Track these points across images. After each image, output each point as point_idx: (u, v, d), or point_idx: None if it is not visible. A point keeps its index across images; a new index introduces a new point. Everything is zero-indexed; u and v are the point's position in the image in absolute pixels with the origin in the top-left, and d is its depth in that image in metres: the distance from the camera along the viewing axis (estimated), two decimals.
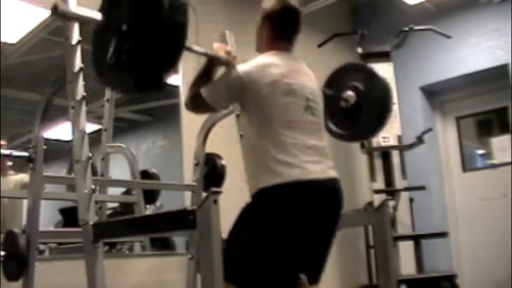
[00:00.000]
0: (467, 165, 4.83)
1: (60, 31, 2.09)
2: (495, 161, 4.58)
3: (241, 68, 1.90)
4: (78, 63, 1.97)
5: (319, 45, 4.35)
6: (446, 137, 4.91)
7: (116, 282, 2.57)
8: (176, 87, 3.47)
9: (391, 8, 4.73)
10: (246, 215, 1.86)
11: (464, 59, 4.48)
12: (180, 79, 3.47)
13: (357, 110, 2.53)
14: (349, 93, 2.55)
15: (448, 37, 4.27)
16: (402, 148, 4.27)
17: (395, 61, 4.40)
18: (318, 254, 1.91)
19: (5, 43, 2.77)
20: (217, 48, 2.01)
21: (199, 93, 1.91)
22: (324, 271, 1.94)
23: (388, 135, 4.26)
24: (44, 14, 2.86)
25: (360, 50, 4.35)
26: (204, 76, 1.99)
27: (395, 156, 4.30)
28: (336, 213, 1.92)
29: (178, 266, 2.97)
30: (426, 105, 4.86)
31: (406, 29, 4.28)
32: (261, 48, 2.08)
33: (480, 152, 4.90)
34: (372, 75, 2.62)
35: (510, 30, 4.17)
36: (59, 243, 2.84)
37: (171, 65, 1.59)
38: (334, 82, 2.63)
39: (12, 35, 2.86)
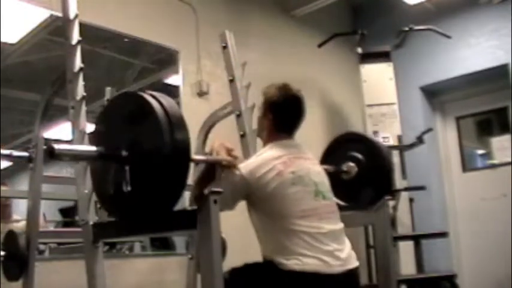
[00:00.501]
0: (467, 165, 4.83)
1: (60, 31, 2.10)
2: (495, 161, 4.58)
3: (244, 167, 1.87)
4: (78, 63, 1.98)
5: (319, 45, 4.36)
6: (446, 137, 4.90)
7: (116, 282, 2.57)
8: (176, 87, 3.48)
9: (391, 8, 4.72)
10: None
11: (464, 59, 4.48)
12: (180, 79, 3.47)
13: (359, 181, 2.46)
14: (350, 164, 2.48)
15: (448, 37, 4.27)
16: (402, 148, 4.27)
17: (395, 61, 4.40)
18: None
19: (5, 43, 2.76)
20: (218, 148, 1.89)
21: (203, 194, 1.84)
22: None
23: (388, 135, 4.26)
24: (44, 14, 2.86)
25: (359, 50, 4.36)
26: (207, 178, 1.90)
27: (395, 156, 4.29)
28: None
29: (178, 266, 2.97)
30: (426, 105, 4.85)
31: (406, 29, 4.28)
32: (261, 135, 2.08)
33: (480, 152, 4.90)
34: (368, 143, 2.59)
35: (510, 30, 4.16)
36: (59, 243, 2.84)
37: (181, 182, 1.44)
38: (333, 153, 2.57)
39: (12, 35, 2.86)
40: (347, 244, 1.92)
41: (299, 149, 2.03)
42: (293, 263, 1.75)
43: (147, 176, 1.44)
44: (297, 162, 1.93)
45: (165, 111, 1.42)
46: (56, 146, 1.43)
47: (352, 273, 1.86)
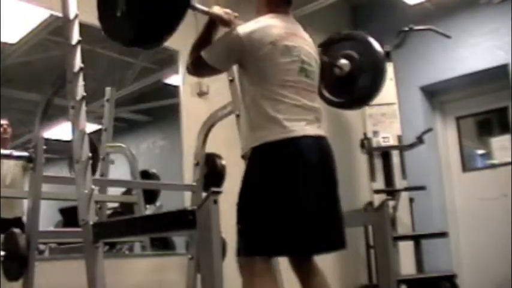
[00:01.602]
0: (467, 165, 4.83)
1: (60, 31, 2.10)
2: (495, 161, 4.57)
3: (241, 28, 1.94)
4: (78, 63, 1.98)
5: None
6: (446, 137, 4.90)
7: (116, 282, 2.57)
8: (176, 87, 3.48)
9: (391, 8, 4.72)
10: (245, 180, 1.89)
11: (464, 59, 4.48)
12: (180, 79, 3.47)
13: (351, 78, 2.56)
14: (343, 61, 2.57)
15: (448, 37, 4.27)
16: (402, 148, 4.27)
17: (395, 61, 4.40)
18: (327, 214, 1.89)
19: (5, 43, 2.77)
20: (218, 10, 2.05)
21: (201, 56, 1.96)
22: (344, 235, 1.93)
23: (388, 135, 4.26)
24: (44, 14, 2.86)
25: None
26: (205, 39, 2.03)
27: (395, 156, 4.30)
28: (328, 169, 1.94)
29: (178, 266, 2.97)
30: (426, 105, 4.85)
31: (406, 29, 4.28)
32: (260, 11, 2.09)
33: (480, 152, 4.90)
34: (366, 43, 2.65)
35: (510, 30, 4.16)
36: (59, 243, 2.84)
37: (175, 21, 1.65)
38: (328, 51, 2.65)
39: (12, 35, 2.86)
40: (320, 122, 2.00)
41: (296, 26, 2.07)
42: (279, 132, 1.83)
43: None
44: (292, 38, 1.98)
45: None
46: None
47: (322, 137, 1.96)
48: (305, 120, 1.90)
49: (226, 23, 2.04)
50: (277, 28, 1.96)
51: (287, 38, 1.95)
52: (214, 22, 2.06)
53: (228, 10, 2.08)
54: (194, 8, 1.98)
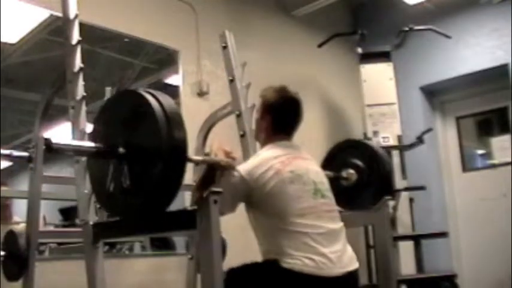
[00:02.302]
0: (467, 165, 4.82)
1: (60, 31, 2.10)
2: (495, 161, 4.58)
3: (243, 168, 1.88)
4: (78, 63, 1.98)
5: (319, 45, 4.36)
6: (446, 137, 4.90)
7: (116, 282, 2.57)
8: (176, 87, 3.48)
9: (391, 8, 4.72)
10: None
11: (464, 59, 4.48)
12: (180, 79, 3.47)
13: (359, 187, 2.48)
14: (350, 171, 2.50)
15: (448, 37, 4.27)
16: (402, 148, 4.27)
17: (395, 61, 4.40)
18: None
19: (5, 43, 2.76)
20: (216, 149, 1.92)
21: (203, 197, 1.86)
22: None
23: (388, 135, 4.26)
24: (44, 14, 2.86)
25: (360, 50, 4.36)
26: (207, 181, 1.92)
27: (395, 156, 4.29)
28: None
29: (178, 266, 2.97)
30: (426, 105, 4.85)
31: (406, 29, 4.28)
32: (260, 138, 2.09)
33: (480, 152, 4.90)
34: (368, 150, 2.60)
35: (510, 30, 4.16)
36: (59, 243, 2.84)
37: (177, 181, 1.45)
38: (333, 160, 2.58)
39: (12, 35, 2.86)
40: (346, 245, 1.91)
41: (297, 150, 2.04)
42: (291, 264, 1.74)
43: (144, 174, 1.44)
44: (295, 162, 1.94)
45: (163, 110, 1.43)
46: (54, 141, 1.46)
47: (351, 276, 1.85)
48: (332, 252, 1.80)
49: (225, 168, 1.91)
50: (278, 157, 1.92)
51: (291, 164, 1.91)
52: (213, 168, 1.94)
53: (226, 147, 1.93)
54: (191, 161, 1.86)
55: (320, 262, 1.76)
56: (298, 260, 1.74)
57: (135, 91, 1.54)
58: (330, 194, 1.98)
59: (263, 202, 1.85)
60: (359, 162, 2.52)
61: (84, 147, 1.61)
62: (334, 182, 2.25)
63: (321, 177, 1.99)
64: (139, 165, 1.46)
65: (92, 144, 1.57)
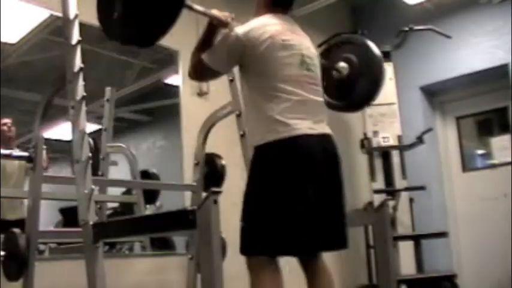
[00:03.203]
0: (467, 165, 4.83)
1: (60, 31, 2.10)
2: (495, 161, 4.57)
3: (239, 28, 1.96)
4: (78, 63, 1.98)
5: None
6: (446, 137, 4.90)
7: (116, 282, 2.57)
8: (176, 87, 3.48)
9: (391, 8, 4.72)
10: (249, 178, 1.92)
11: (464, 59, 4.48)
12: (180, 79, 3.47)
13: (350, 81, 2.57)
14: (342, 64, 2.59)
15: (448, 37, 4.27)
16: (402, 148, 4.27)
17: (395, 61, 4.40)
18: (330, 213, 1.89)
19: (5, 43, 2.77)
20: (215, 12, 2.07)
21: (201, 59, 1.97)
22: (346, 234, 1.93)
23: (388, 135, 4.26)
24: (44, 14, 2.86)
25: None
26: (205, 42, 2.04)
27: (395, 156, 4.29)
28: (333, 168, 1.94)
29: (178, 266, 2.97)
30: (426, 105, 4.85)
31: (406, 29, 4.27)
32: (258, 12, 2.11)
33: (480, 152, 4.90)
34: (364, 47, 2.66)
35: (510, 30, 4.16)
36: (59, 243, 2.84)
37: (170, 19, 1.68)
38: (327, 54, 2.68)
39: (12, 35, 2.86)
40: (324, 116, 1.99)
41: (293, 25, 2.09)
42: (282, 131, 1.83)
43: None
44: (290, 33, 2.00)
45: None
46: None
47: (326, 135, 1.95)
48: (309, 117, 1.90)
49: (224, 24, 2.05)
50: (274, 25, 1.98)
51: (284, 33, 1.97)
52: (214, 26, 2.07)
53: (225, 12, 2.10)
54: (190, 8, 1.99)
55: (295, 125, 1.85)
56: (286, 126, 1.84)
57: None
58: (316, 70, 2.04)
59: (253, 63, 1.93)
60: (352, 57, 2.60)
61: None
62: (327, 73, 2.36)
63: (309, 52, 2.04)
64: None
65: None
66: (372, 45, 2.67)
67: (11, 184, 2.77)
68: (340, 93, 2.62)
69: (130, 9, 1.74)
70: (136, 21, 1.77)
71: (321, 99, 2.01)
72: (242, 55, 1.93)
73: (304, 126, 1.87)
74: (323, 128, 1.95)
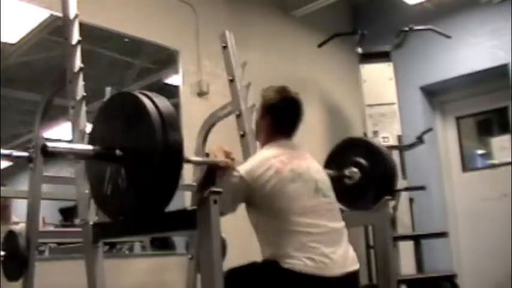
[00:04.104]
0: (467, 165, 4.83)
1: (60, 31, 2.10)
2: (495, 161, 4.58)
3: (242, 168, 1.88)
4: (78, 63, 1.98)
5: (319, 45, 4.36)
6: (446, 137, 4.90)
7: (116, 282, 2.57)
8: (176, 87, 3.48)
9: (391, 8, 4.72)
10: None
11: (464, 59, 4.48)
12: (180, 79, 3.47)
13: (363, 184, 2.46)
14: (353, 169, 2.47)
15: (448, 37, 4.27)
16: (402, 148, 4.26)
17: (395, 61, 4.40)
18: None
19: (5, 43, 2.76)
20: (216, 151, 1.96)
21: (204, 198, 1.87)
22: None
23: (388, 135, 4.26)
24: (44, 14, 2.86)
25: (360, 50, 4.35)
26: (207, 182, 1.94)
27: (395, 156, 4.28)
28: None
29: (178, 266, 2.97)
30: (426, 105, 4.85)
31: (406, 29, 4.27)
32: (260, 138, 2.08)
33: (480, 152, 4.90)
34: (369, 146, 2.59)
35: (510, 30, 4.16)
36: (59, 243, 2.83)
37: (173, 182, 1.45)
38: (336, 158, 2.56)
39: (12, 35, 2.86)
40: (348, 245, 1.90)
41: (297, 150, 2.03)
42: (291, 264, 1.73)
43: (140, 176, 1.44)
44: (296, 161, 1.93)
45: (159, 111, 1.43)
46: (50, 144, 1.44)
47: (352, 276, 1.84)
48: (332, 249, 1.80)
49: (225, 168, 1.94)
50: (278, 156, 1.91)
51: (291, 163, 1.90)
52: (213, 169, 1.98)
53: (226, 149, 1.98)
54: (190, 162, 1.93)
55: (320, 262, 1.75)
56: (298, 260, 1.73)
57: (130, 93, 1.54)
58: (331, 193, 1.97)
59: (263, 202, 1.85)
60: (362, 161, 2.49)
61: (81, 151, 1.61)
62: (337, 181, 2.24)
63: (322, 176, 1.98)
64: (136, 167, 1.45)
65: (89, 147, 1.56)
66: (379, 144, 2.61)
67: None
68: (352, 199, 2.45)
69: (124, 181, 1.51)
70: (135, 192, 1.49)
71: (341, 224, 1.93)
72: (248, 195, 1.86)
73: (332, 264, 1.76)
74: (352, 265, 1.85)
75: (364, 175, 2.46)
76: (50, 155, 1.46)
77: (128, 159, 1.47)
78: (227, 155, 1.93)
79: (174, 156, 1.42)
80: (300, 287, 1.74)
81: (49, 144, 1.44)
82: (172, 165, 1.42)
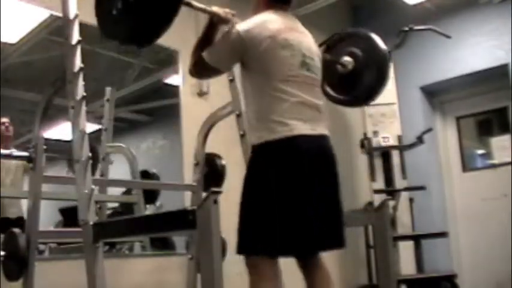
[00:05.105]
0: (467, 165, 4.83)
1: (60, 31, 2.10)
2: (495, 161, 4.57)
3: (241, 26, 1.93)
4: (78, 63, 1.98)
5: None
6: (446, 137, 4.90)
7: (116, 282, 2.57)
8: (176, 87, 3.48)
9: (391, 8, 4.72)
10: (246, 177, 1.91)
11: (464, 59, 4.48)
12: (180, 79, 3.47)
13: (354, 75, 2.53)
14: (347, 58, 2.55)
15: (448, 37, 4.26)
16: (402, 148, 4.27)
17: (395, 61, 4.38)
18: (327, 213, 1.88)
19: (5, 43, 2.77)
20: (216, 9, 2.05)
21: (202, 57, 1.94)
22: (343, 234, 1.94)
23: (388, 135, 4.26)
24: (44, 14, 2.86)
25: None
26: (205, 39, 2.01)
27: (395, 156, 4.29)
28: (329, 168, 1.93)
29: (178, 266, 2.97)
30: (426, 105, 4.85)
31: (406, 29, 4.27)
32: (257, 10, 2.08)
33: (480, 152, 4.90)
34: (369, 41, 2.62)
35: (510, 30, 4.16)
36: (59, 243, 2.84)
37: (169, 16, 1.65)
38: (331, 49, 2.65)
39: (12, 35, 2.86)
40: (324, 119, 1.99)
41: (295, 22, 2.06)
42: (281, 131, 1.82)
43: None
44: (291, 32, 1.97)
45: None
46: None
47: (323, 136, 1.95)
48: (306, 118, 1.89)
49: (225, 21, 2.03)
50: (276, 22, 1.95)
51: (286, 32, 1.94)
52: (214, 23, 2.05)
53: (226, 9, 2.08)
54: (189, 5, 1.97)
55: (294, 125, 1.85)
56: (285, 126, 1.83)
57: None
58: (316, 71, 2.01)
59: (253, 62, 1.90)
60: (357, 51, 2.56)
61: None
62: (331, 67, 2.33)
63: (311, 52, 2.01)
64: None
65: None
66: (376, 38, 2.64)
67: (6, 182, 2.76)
68: (344, 88, 2.59)
69: (128, 5, 1.71)
70: (134, 18, 1.74)
71: (320, 101, 1.99)
72: (243, 53, 1.91)
73: (303, 127, 1.86)
74: (321, 130, 1.95)
75: (358, 66, 2.53)
76: None
77: None
78: (227, 12, 2.03)
79: None
80: (294, 148, 1.83)
81: None
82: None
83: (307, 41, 2.03)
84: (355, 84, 2.56)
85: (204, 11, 2.04)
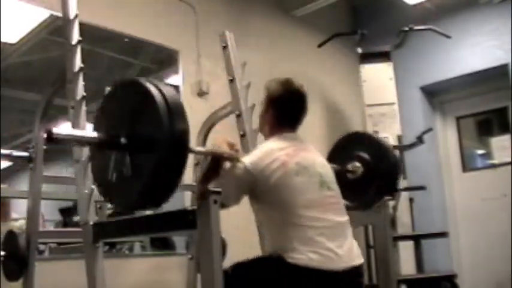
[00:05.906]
0: (467, 165, 4.83)
1: (60, 31, 2.10)
2: (495, 161, 4.58)
3: (247, 159, 1.86)
4: (78, 63, 1.98)
5: (319, 45, 4.36)
6: (446, 137, 4.90)
7: (116, 282, 2.57)
8: (176, 87, 3.47)
9: (391, 8, 4.72)
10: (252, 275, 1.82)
11: (464, 59, 4.48)
12: (180, 79, 3.47)
13: (366, 179, 2.44)
14: (356, 164, 2.47)
15: (448, 37, 4.27)
16: (402, 148, 4.26)
17: (395, 61, 4.40)
18: None
19: (5, 43, 2.76)
20: (220, 142, 1.92)
21: (208, 191, 1.84)
22: None
23: (388, 135, 4.26)
24: (44, 14, 2.86)
25: (359, 50, 4.36)
26: (211, 173, 1.90)
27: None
28: None
29: (178, 266, 2.97)
30: (426, 105, 4.85)
31: (406, 29, 4.28)
32: (264, 130, 2.06)
33: (480, 152, 4.90)
34: (372, 141, 2.58)
35: (510, 30, 4.16)
36: (59, 243, 2.84)
37: (178, 172, 1.44)
38: (339, 153, 2.55)
39: (12, 35, 2.86)
40: (352, 239, 1.90)
41: (302, 142, 2.02)
42: (296, 259, 1.72)
43: (145, 164, 1.42)
44: (301, 154, 1.92)
45: (165, 100, 1.40)
46: (55, 130, 1.42)
47: (356, 270, 1.84)
48: (336, 243, 1.79)
49: (229, 159, 1.91)
50: (284, 149, 1.89)
51: (296, 156, 1.89)
52: (218, 159, 1.94)
53: (230, 141, 1.95)
54: (194, 152, 1.93)
55: (326, 256, 1.75)
56: (303, 255, 1.73)
57: (136, 81, 1.53)
58: (335, 187, 1.97)
59: (268, 194, 1.83)
60: (365, 155, 2.48)
61: (86, 138, 1.60)
62: (340, 176, 2.22)
63: (326, 170, 1.97)
64: (141, 155, 1.44)
65: (94, 134, 1.54)
66: (380, 138, 2.61)
67: None
68: (354, 193, 2.41)
69: (129, 168, 1.48)
70: (140, 180, 1.47)
71: (346, 218, 1.92)
72: (252, 187, 1.83)
73: (337, 258, 1.76)
74: (356, 259, 1.85)
75: (367, 170, 2.45)
76: (55, 142, 1.43)
77: (133, 147, 1.45)
78: (231, 146, 1.91)
79: (180, 145, 1.40)
80: (305, 282, 1.73)
81: (54, 130, 1.42)
82: (177, 155, 1.40)
83: (319, 159, 1.99)
84: (367, 188, 2.45)
85: (207, 153, 1.96)
